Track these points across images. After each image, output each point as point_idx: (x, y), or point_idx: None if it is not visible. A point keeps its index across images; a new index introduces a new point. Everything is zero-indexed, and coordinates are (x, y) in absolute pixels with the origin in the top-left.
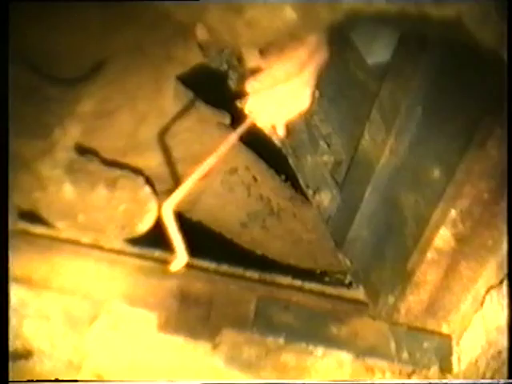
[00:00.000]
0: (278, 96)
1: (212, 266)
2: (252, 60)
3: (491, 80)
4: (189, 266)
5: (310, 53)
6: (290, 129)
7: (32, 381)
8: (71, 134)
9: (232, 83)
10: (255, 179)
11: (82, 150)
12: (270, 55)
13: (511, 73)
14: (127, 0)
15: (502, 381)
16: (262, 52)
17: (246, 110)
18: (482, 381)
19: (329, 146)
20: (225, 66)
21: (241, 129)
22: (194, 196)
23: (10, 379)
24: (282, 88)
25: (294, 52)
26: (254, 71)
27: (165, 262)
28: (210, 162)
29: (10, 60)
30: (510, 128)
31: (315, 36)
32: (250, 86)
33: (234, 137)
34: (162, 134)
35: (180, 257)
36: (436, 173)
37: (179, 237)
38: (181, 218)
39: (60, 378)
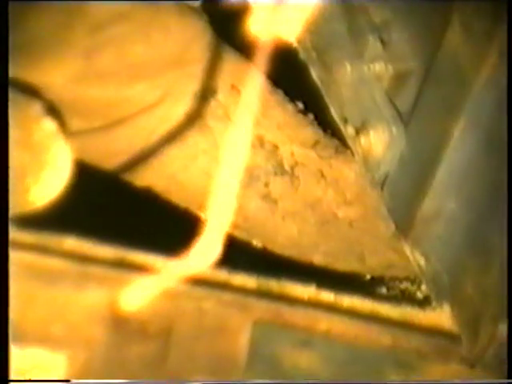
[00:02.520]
0: None
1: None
2: None
3: None
4: (126, 264)
5: None
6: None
7: (32, 381)
8: None
9: None
10: (250, 109)
11: None
12: None
13: (511, 70)
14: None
15: (502, 381)
16: None
17: None
18: (483, 381)
19: (385, 44)
20: None
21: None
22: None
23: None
24: None
25: None
26: None
27: (84, 259)
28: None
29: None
30: (510, 127)
31: None
32: None
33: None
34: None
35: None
36: None
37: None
38: (117, 184)
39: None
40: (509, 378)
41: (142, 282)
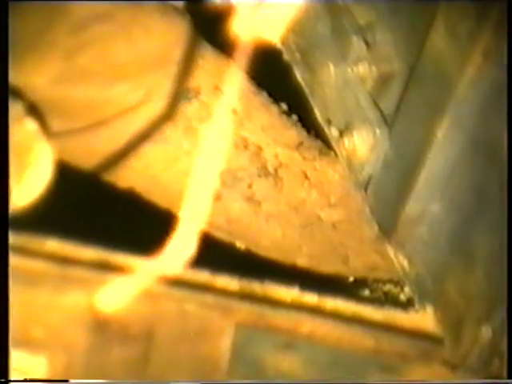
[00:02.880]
0: None
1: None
2: None
3: None
4: (109, 266)
5: None
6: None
7: (32, 381)
8: None
9: None
10: (234, 111)
11: None
12: None
13: (511, 73)
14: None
15: (502, 381)
16: None
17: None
18: (482, 381)
19: (369, 45)
20: None
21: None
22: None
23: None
24: None
25: None
26: None
27: (65, 261)
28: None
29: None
30: (510, 127)
31: None
32: None
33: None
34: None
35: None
36: None
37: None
38: (99, 185)
39: None
40: (509, 378)
41: (124, 284)
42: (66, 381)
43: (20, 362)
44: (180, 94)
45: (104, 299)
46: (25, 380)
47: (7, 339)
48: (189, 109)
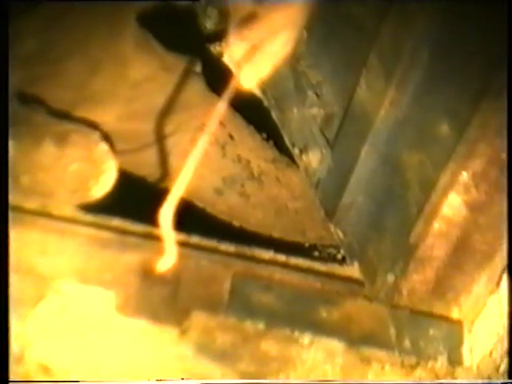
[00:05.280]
0: (271, 44)
1: (181, 237)
2: (246, 5)
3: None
4: (153, 237)
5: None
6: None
7: (32, 381)
8: (12, 79)
9: (210, 22)
10: (231, 137)
11: (26, 99)
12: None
13: (511, 69)
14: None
15: (502, 381)
16: None
17: (233, 66)
18: (482, 381)
19: (318, 96)
20: (202, 2)
21: (227, 95)
22: (160, 158)
23: (11, 379)
24: (279, 37)
25: None
26: (248, 18)
27: (124, 233)
28: (200, 146)
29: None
30: (510, 123)
31: None
32: (242, 36)
33: (221, 108)
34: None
35: (169, 257)
36: (444, 128)
37: (173, 237)
38: (145, 184)
39: None
40: (509, 378)
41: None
42: (67, 381)
43: (98, 295)
44: (196, 128)
45: (149, 257)
46: (25, 380)
47: (7, 340)
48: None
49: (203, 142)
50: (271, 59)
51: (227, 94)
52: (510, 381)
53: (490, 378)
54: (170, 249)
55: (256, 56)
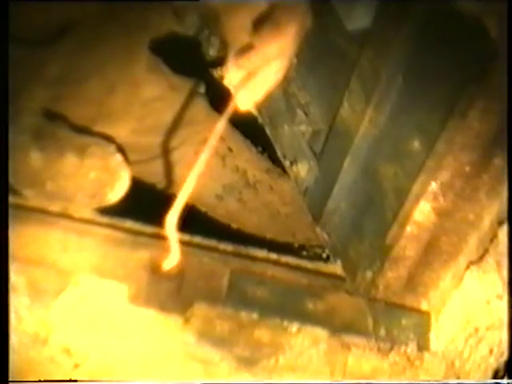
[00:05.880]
0: (264, 71)
1: (185, 238)
2: (243, 37)
3: (474, 48)
4: (160, 237)
5: (301, 23)
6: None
7: (32, 381)
8: (38, 98)
9: (212, 50)
10: (230, 150)
11: (51, 116)
12: (264, 31)
13: (511, 71)
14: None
15: (503, 381)
16: (255, 27)
17: (232, 89)
18: (482, 381)
19: (307, 115)
20: (205, 32)
21: (226, 114)
22: (167, 168)
23: (10, 379)
24: (272, 65)
25: (287, 26)
26: (245, 48)
27: (136, 233)
28: (203, 158)
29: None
30: (510, 126)
31: (303, 4)
32: (239, 64)
33: (221, 125)
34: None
35: (173, 256)
36: (416, 144)
37: (176, 238)
38: (154, 190)
39: (26, 352)
40: (509, 378)
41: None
42: (67, 381)
43: (112, 287)
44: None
45: (157, 255)
46: (25, 380)
47: (7, 340)
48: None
49: (206, 154)
50: (265, 85)
51: (227, 113)
52: (510, 381)
53: (453, 362)
54: (174, 249)
55: (251, 82)
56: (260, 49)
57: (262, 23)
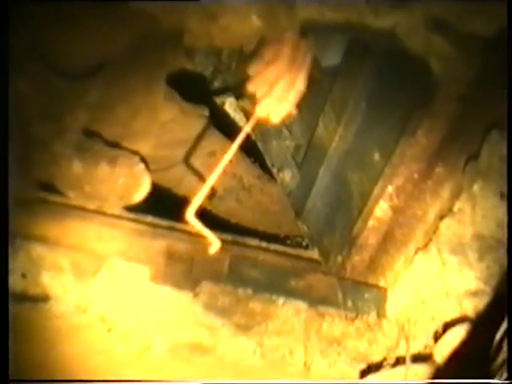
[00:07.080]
0: (277, 92)
1: (194, 230)
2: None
3: (420, 81)
4: (175, 229)
5: (293, 49)
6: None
7: (32, 381)
8: (80, 119)
9: (217, 82)
10: (230, 160)
11: (89, 133)
12: (256, 63)
13: (511, 71)
14: (131, 0)
15: (502, 381)
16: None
17: (257, 111)
18: (482, 381)
19: (290, 132)
20: (210, 68)
21: (248, 126)
22: (180, 176)
23: (11, 378)
24: (278, 86)
25: (276, 55)
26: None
27: (155, 226)
28: (224, 161)
29: (25, 57)
30: (510, 131)
31: (291, 35)
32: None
33: (243, 135)
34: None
35: (215, 243)
36: (376, 156)
37: (207, 230)
38: (170, 193)
39: (70, 319)
40: (509, 378)
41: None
42: (67, 381)
43: (137, 269)
44: (205, 155)
45: (172, 243)
46: (25, 380)
47: (7, 340)
48: (209, 160)
49: (220, 168)
50: (287, 95)
51: (242, 135)
52: (510, 381)
53: (403, 326)
54: (212, 239)
55: (272, 94)
56: (257, 76)
57: (251, 59)
